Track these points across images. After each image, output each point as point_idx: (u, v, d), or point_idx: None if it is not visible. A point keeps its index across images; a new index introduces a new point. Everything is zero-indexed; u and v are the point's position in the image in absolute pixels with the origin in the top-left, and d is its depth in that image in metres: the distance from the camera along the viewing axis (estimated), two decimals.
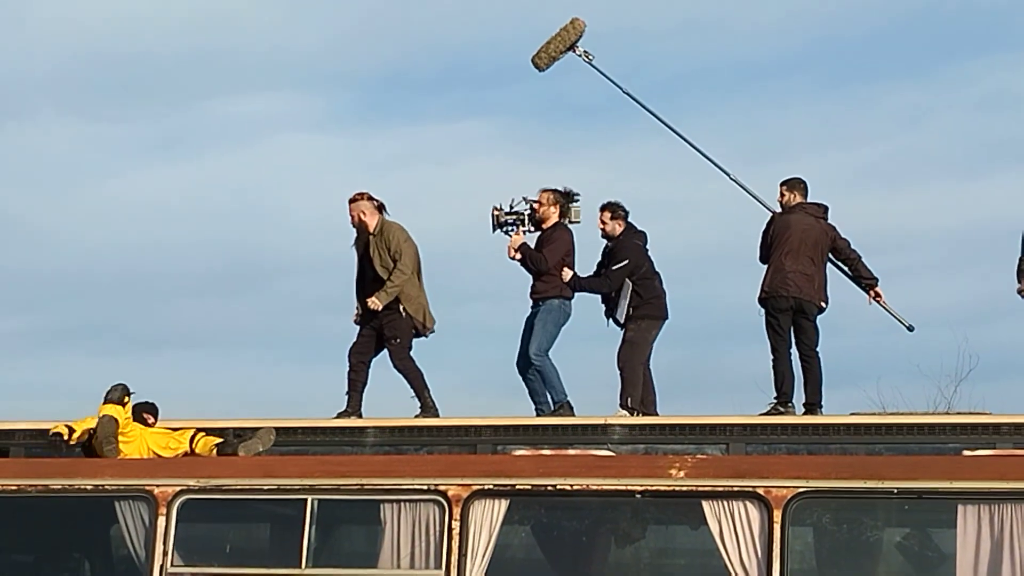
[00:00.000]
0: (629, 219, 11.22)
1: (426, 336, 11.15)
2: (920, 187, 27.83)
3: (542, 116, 28.88)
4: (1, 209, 27.94)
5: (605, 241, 11.28)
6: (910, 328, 10.74)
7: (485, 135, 30.04)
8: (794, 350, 10.84)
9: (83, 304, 27.72)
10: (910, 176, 27.75)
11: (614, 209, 11.10)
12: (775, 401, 10.50)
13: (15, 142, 29.80)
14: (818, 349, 10.80)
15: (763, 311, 10.70)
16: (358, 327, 11.11)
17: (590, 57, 11.23)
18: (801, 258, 10.50)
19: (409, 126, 31.15)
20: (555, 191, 11.00)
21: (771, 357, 10.67)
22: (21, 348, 26.59)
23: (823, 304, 10.70)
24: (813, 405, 10.66)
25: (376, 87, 32.01)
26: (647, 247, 11.22)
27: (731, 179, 11.16)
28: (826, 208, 10.76)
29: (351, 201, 11.03)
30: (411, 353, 11.00)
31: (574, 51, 11.17)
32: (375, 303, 10.78)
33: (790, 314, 10.53)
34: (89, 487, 9.41)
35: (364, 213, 10.90)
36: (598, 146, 26.71)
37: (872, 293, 10.65)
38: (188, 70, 30.12)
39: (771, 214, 10.84)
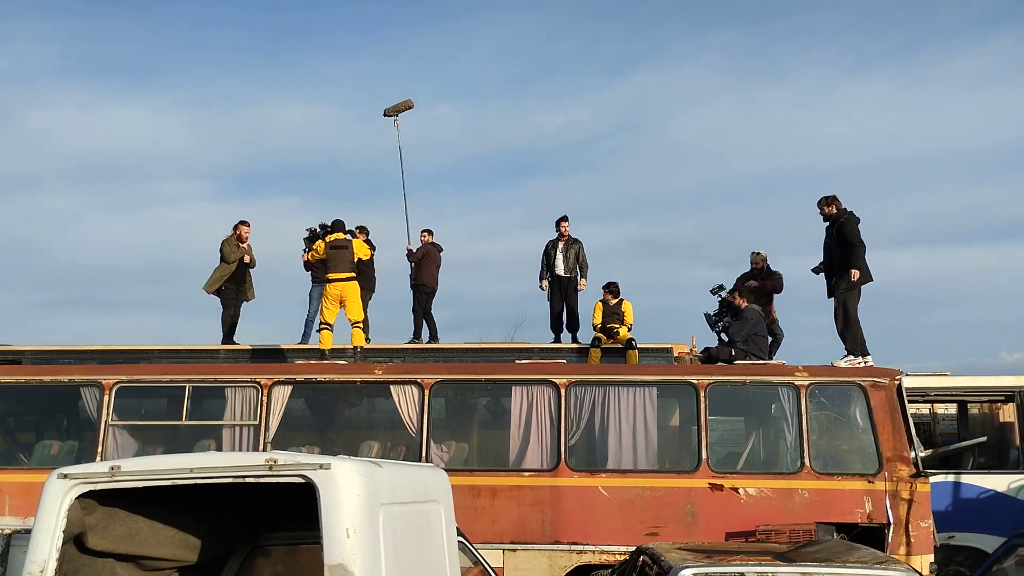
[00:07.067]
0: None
1: None
2: None
3: None
4: None
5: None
6: None
7: None
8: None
9: None
10: None
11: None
12: (412, 336, 16.88)
13: None
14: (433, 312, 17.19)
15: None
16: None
17: (398, 124, 17.31)
18: (432, 267, 17.26)
19: None
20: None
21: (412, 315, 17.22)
22: None
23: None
24: (433, 338, 16.93)
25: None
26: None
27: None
28: (440, 247, 17.45)
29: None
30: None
31: (398, 114, 17.06)
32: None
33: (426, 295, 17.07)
34: (65, 380, 13.38)
35: None
36: None
37: None
38: None
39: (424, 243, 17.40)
